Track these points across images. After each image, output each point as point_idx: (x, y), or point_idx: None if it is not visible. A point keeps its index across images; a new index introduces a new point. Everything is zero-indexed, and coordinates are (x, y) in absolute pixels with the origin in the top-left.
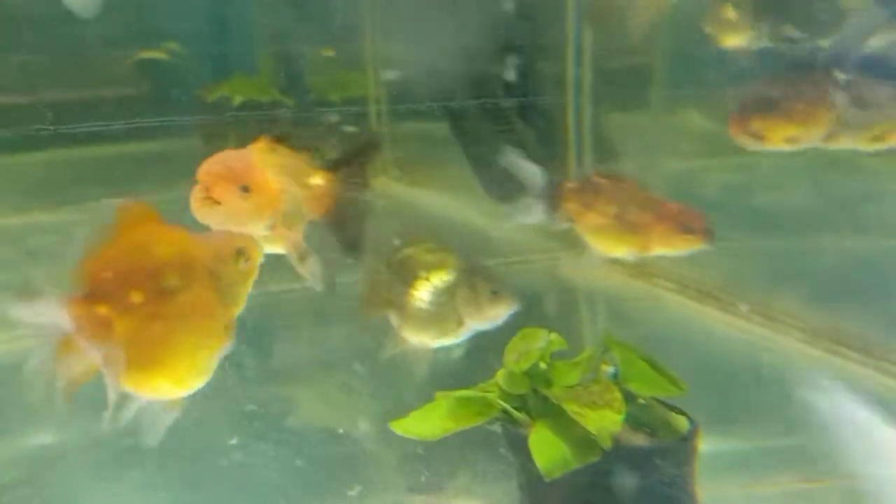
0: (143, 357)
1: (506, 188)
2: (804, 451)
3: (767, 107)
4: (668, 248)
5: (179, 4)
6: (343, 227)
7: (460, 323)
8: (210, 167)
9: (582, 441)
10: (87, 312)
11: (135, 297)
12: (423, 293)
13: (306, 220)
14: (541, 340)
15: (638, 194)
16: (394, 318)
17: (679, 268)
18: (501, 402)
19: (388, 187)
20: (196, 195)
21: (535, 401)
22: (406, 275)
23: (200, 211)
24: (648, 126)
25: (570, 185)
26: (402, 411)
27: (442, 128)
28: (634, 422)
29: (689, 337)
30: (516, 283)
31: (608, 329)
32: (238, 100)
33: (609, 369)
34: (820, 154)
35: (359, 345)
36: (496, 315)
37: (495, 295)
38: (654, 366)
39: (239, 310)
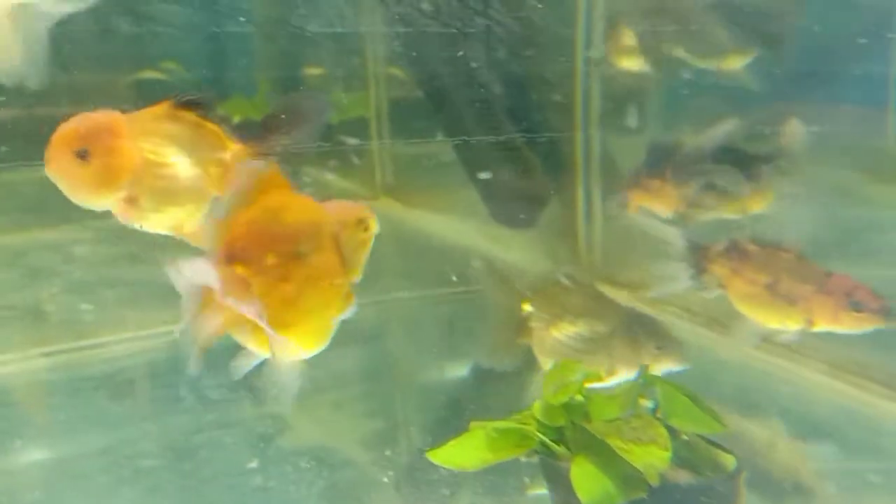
0: (274, 317)
1: (513, 212)
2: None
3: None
4: (834, 324)
5: (178, 25)
6: None
7: (612, 372)
8: (59, 128)
9: (626, 476)
10: (230, 273)
11: (269, 260)
12: (573, 337)
13: (209, 197)
14: (578, 373)
15: (798, 263)
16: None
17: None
18: (539, 434)
19: (392, 208)
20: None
21: (574, 433)
22: (559, 313)
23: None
24: None
25: (717, 248)
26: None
27: (446, 150)
28: (677, 458)
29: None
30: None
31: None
32: (237, 118)
33: (647, 404)
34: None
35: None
36: (661, 369)
37: (659, 351)
38: (695, 402)
39: (358, 277)
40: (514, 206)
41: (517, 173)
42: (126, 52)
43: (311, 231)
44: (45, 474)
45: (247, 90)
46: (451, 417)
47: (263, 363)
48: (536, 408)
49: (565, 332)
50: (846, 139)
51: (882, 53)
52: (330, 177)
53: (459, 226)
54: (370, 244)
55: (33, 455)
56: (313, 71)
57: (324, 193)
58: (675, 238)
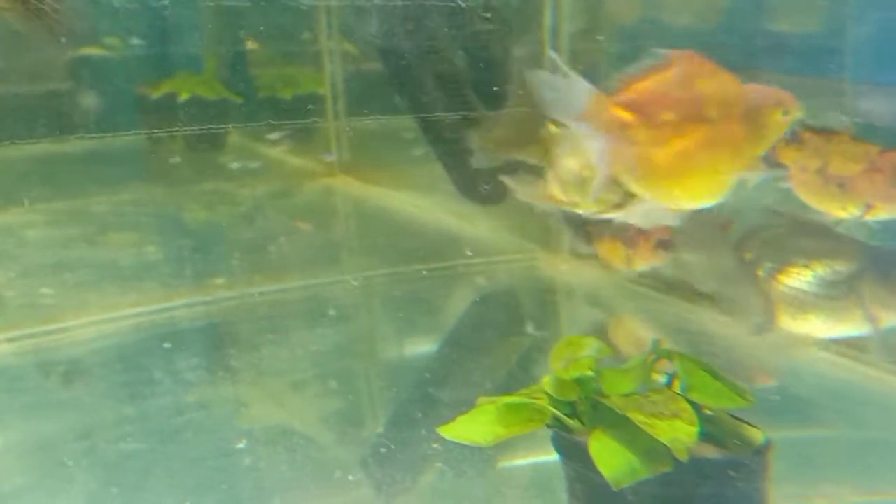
0: (663, 167)
1: (482, 188)
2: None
3: None
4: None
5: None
6: None
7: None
8: None
9: (648, 450)
10: (607, 109)
11: (666, 115)
12: (811, 282)
13: None
14: (589, 348)
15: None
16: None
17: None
18: (552, 409)
19: (350, 186)
20: None
21: (588, 408)
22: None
23: None
24: None
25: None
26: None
27: (404, 126)
28: (701, 433)
29: (688, 339)
30: (493, 283)
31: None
32: (184, 96)
33: (660, 378)
34: None
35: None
36: None
37: None
38: (716, 376)
39: (765, 150)
40: (480, 181)
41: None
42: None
43: (720, 100)
44: (25, 461)
45: (193, 66)
46: (419, 395)
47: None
48: (546, 382)
49: (801, 278)
50: None
51: None
52: (284, 154)
53: (421, 202)
54: (786, 128)
55: (10, 441)
56: (262, 46)
57: (278, 171)
58: None
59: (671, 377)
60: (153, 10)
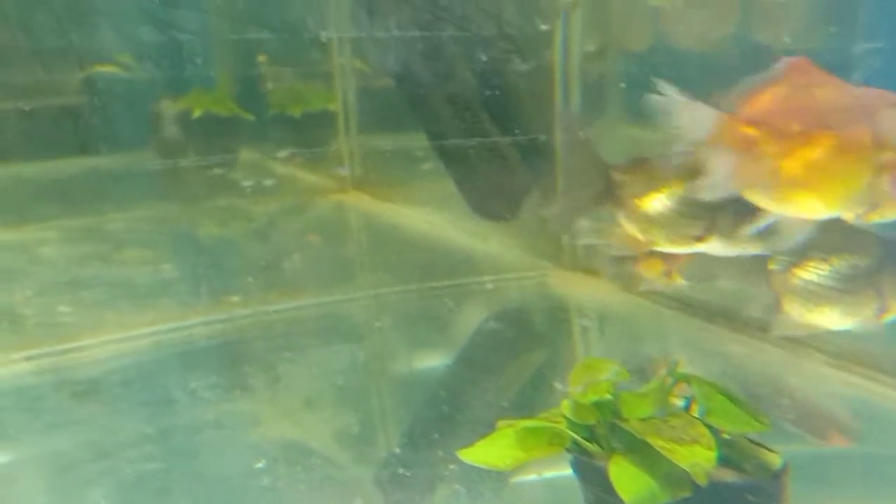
0: (796, 178)
1: (492, 205)
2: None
3: None
4: None
5: (134, 17)
6: None
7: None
8: None
9: (668, 475)
10: (731, 127)
11: (791, 126)
12: (828, 276)
13: None
14: (608, 372)
15: None
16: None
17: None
18: (571, 433)
19: (362, 202)
20: None
21: (607, 432)
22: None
23: None
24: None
25: None
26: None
27: (416, 142)
28: (720, 457)
29: (699, 357)
30: (504, 301)
31: (609, 348)
32: (197, 113)
33: (678, 402)
34: None
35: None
36: None
37: None
38: (733, 399)
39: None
40: (493, 198)
41: (495, 165)
42: (79, 46)
43: (839, 108)
44: (46, 480)
45: (205, 84)
46: (434, 414)
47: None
48: (565, 406)
49: (816, 271)
50: None
51: None
52: (296, 170)
53: (433, 218)
54: None
55: (30, 460)
56: (273, 64)
57: (290, 187)
58: None
59: (689, 401)
60: (166, 30)
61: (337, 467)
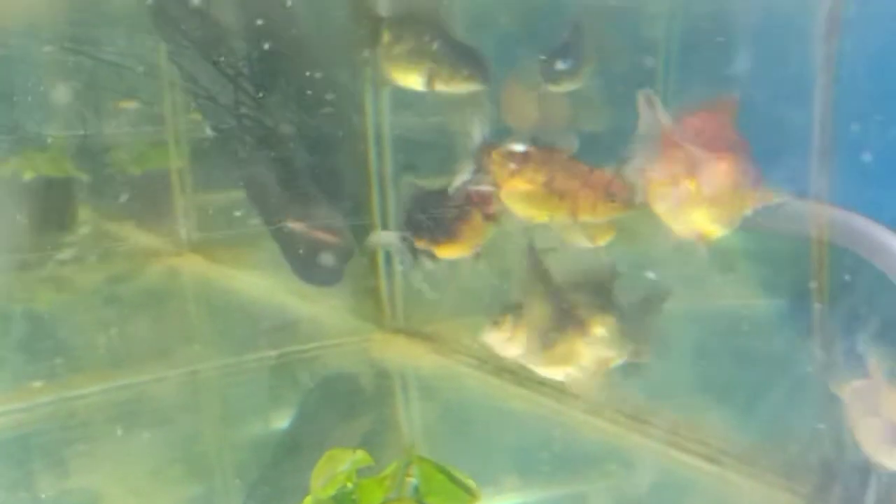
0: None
1: (315, 269)
2: None
3: None
4: (594, 215)
5: None
6: None
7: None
8: None
9: None
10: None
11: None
12: None
13: None
14: (346, 462)
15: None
16: None
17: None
18: None
19: (197, 265)
20: None
21: None
22: None
23: None
24: None
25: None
26: None
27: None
28: None
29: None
30: (329, 368)
31: (418, 417)
32: (29, 175)
33: (413, 481)
34: None
35: None
36: None
37: None
38: (451, 478)
39: None
40: (315, 262)
41: (318, 228)
42: None
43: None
44: None
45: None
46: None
47: None
48: (307, 503)
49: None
50: None
51: None
52: (132, 232)
53: (267, 282)
54: None
55: None
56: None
57: (123, 250)
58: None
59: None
60: None
61: None
